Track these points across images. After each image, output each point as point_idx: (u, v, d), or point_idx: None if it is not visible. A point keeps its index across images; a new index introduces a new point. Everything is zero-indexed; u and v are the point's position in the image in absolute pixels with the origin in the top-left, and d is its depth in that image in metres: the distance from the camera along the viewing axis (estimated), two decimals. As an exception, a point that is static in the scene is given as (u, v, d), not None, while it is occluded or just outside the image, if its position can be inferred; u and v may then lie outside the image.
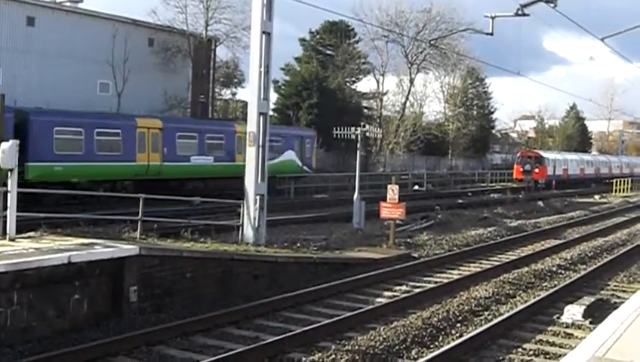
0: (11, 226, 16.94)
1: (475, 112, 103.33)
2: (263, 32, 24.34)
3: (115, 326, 15.26)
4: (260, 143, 24.29)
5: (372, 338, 14.64)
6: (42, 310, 14.38)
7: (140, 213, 20.88)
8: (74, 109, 41.31)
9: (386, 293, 19.96)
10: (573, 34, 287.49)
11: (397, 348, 14.25)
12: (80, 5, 57.08)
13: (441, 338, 15.24)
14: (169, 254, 17.81)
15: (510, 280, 21.74)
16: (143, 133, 39.71)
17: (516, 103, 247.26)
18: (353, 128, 34.34)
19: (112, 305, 15.97)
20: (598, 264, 25.48)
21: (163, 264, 17.32)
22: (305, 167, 52.46)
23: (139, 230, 20.26)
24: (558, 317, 17.32)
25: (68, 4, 56.12)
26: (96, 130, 38.03)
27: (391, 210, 27.50)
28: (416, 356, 14.00)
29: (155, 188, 32.84)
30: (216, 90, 74.33)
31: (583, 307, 17.38)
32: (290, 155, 50.78)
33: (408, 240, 28.79)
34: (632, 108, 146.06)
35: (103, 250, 16.07)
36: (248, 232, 23.71)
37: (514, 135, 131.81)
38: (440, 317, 16.63)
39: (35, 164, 34.93)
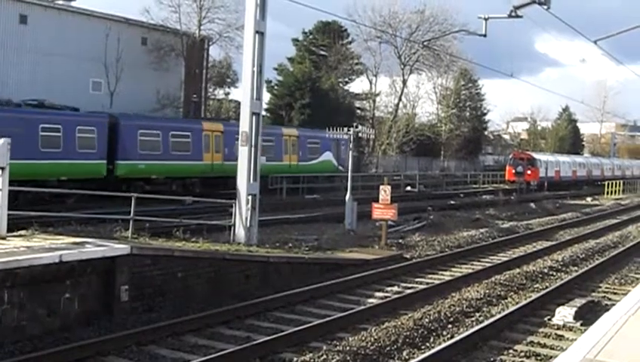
0: (2, 224, 16.91)
1: (467, 114, 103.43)
2: (256, 32, 24.32)
3: (106, 326, 15.22)
4: (253, 143, 24.27)
5: (363, 338, 14.63)
6: (33, 309, 14.34)
7: (131, 212, 20.87)
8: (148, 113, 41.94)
9: (378, 294, 19.96)
10: (565, 36, 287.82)
11: (388, 348, 14.24)
12: (73, 4, 56.97)
13: (432, 339, 15.23)
14: (161, 254, 17.79)
15: (501, 281, 21.75)
16: (208, 135, 43.90)
17: (509, 105, 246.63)
18: (346, 129, 34.36)
19: (103, 304, 15.94)
20: (590, 266, 25.49)
21: (154, 263, 17.29)
22: (340, 167, 57.15)
23: (130, 229, 20.23)
24: (549, 319, 17.34)
25: (61, 2, 56.03)
26: (171, 132, 42.51)
27: (383, 210, 27.51)
28: (407, 357, 13.99)
29: (217, 185, 42.25)
30: (209, 89, 74.23)
31: (575, 309, 17.40)
32: (328, 156, 58.10)
33: (400, 241, 28.77)
34: (624, 111, 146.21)
35: (95, 248, 16.04)
36: (240, 232, 23.67)
37: (506, 137, 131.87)
38: (431, 318, 16.62)
39: (123, 163, 40.67)
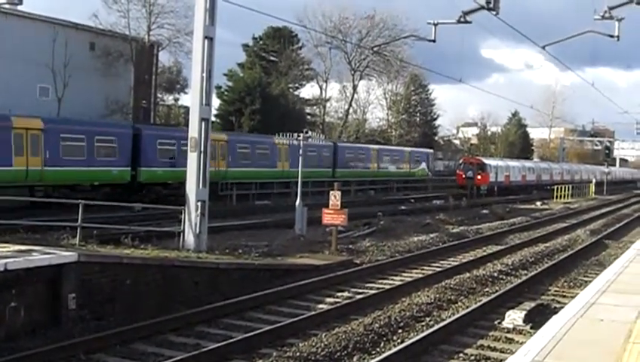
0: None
1: (417, 119, 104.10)
2: (206, 37, 24.24)
3: (53, 335, 15.01)
4: (202, 149, 24.14)
5: (314, 344, 14.60)
6: (-23, 318, 14.09)
7: (79, 220, 20.66)
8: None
9: (328, 299, 19.94)
10: (510, 41, 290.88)
11: (338, 354, 14.23)
12: (19, 8, 56.18)
13: (382, 344, 15.25)
14: (109, 261, 17.63)
15: (452, 285, 21.82)
16: (215, 145, 44.58)
17: (458, 110, 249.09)
18: (296, 135, 34.31)
19: (51, 312, 15.73)
20: (539, 269, 25.72)
21: (103, 271, 17.11)
22: (429, 173, 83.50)
23: (78, 236, 20.05)
24: (499, 323, 17.43)
25: (7, 6, 55.22)
26: (181, 141, 41.39)
27: (333, 216, 27.48)
28: (357, 362, 14.00)
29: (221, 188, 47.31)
30: (159, 95, 73.95)
31: (524, 312, 17.52)
32: (423, 165, 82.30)
33: (350, 246, 28.77)
34: (573, 116, 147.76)
35: (41, 256, 15.82)
36: (189, 238, 23.53)
37: (457, 142, 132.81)
38: (382, 323, 16.62)
39: (145, 169, 44.05)
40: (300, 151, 33.52)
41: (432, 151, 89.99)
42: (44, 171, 37.53)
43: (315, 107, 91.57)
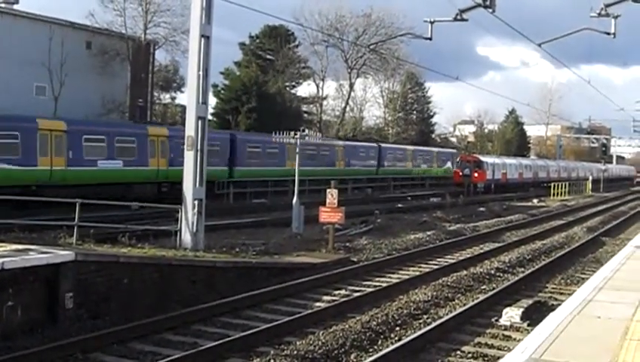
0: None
1: (414, 117, 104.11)
2: (202, 36, 24.23)
3: (50, 334, 14.98)
4: (199, 147, 24.12)
5: (311, 342, 14.59)
6: (-26, 318, 14.08)
7: (76, 219, 20.64)
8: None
9: (325, 298, 19.94)
10: (505, 39, 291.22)
11: (336, 352, 14.22)
12: (15, 7, 56.05)
13: (380, 342, 15.25)
14: (106, 260, 17.61)
15: (449, 283, 21.83)
16: (288, 148, 50.89)
17: (455, 108, 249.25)
18: (293, 133, 34.30)
19: (48, 311, 15.71)
20: (536, 266, 25.74)
21: (99, 270, 17.09)
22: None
23: (75, 235, 20.03)
24: (496, 320, 17.44)
25: (3, 5, 55.07)
26: (266, 144, 51.91)
27: (330, 214, 27.48)
28: (355, 360, 14.01)
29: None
30: (155, 94, 73.79)
31: (521, 309, 17.53)
32: (448, 164, 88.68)
33: (347, 244, 28.78)
34: (569, 114, 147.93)
35: (38, 256, 15.80)
36: (186, 237, 23.51)
37: (453, 139, 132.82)
38: (379, 321, 16.62)
39: (239, 168, 52.63)
40: (297, 150, 33.60)
41: (455, 151, 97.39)
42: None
43: (311, 105, 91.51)
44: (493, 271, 24.43)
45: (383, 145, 78.13)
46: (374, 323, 16.40)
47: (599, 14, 34.15)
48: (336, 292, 20.72)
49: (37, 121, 38.98)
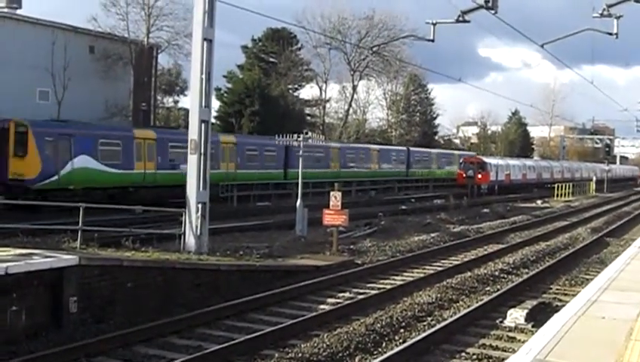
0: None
1: (417, 119, 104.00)
2: (205, 39, 24.23)
3: (55, 338, 15.02)
4: (202, 151, 24.13)
5: (315, 345, 14.59)
6: (-22, 322, 14.08)
7: (80, 223, 20.67)
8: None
9: (330, 300, 19.94)
10: (507, 40, 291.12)
11: (340, 355, 14.23)
12: (18, 12, 56.06)
13: (384, 345, 15.25)
14: (109, 264, 17.61)
15: (453, 285, 21.82)
16: (331, 150, 64.21)
17: (458, 110, 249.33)
18: (296, 135, 34.30)
19: (52, 316, 15.73)
20: (541, 268, 25.73)
21: (103, 274, 17.10)
22: None
23: (79, 240, 20.05)
24: (501, 321, 17.43)
25: (6, 10, 55.09)
26: (314, 149, 55.36)
27: (334, 216, 27.48)
28: (359, 362, 14.00)
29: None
30: (158, 98, 73.76)
31: (526, 311, 17.52)
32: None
33: (351, 246, 28.77)
34: (572, 114, 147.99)
35: (42, 260, 15.83)
36: (190, 241, 23.50)
37: (457, 141, 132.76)
38: (383, 323, 16.62)
39: (292, 170, 54.71)
40: (301, 152, 33.64)
41: (474, 153, 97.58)
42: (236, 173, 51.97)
43: (314, 108, 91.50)
44: (497, 273, 24.43)
45: (411, 148, 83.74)
46: (378, 325, 16.40)
47: (601, 15, 34.19)
48: (341, 294, 20.71)
49: (133, 131, 46.42)
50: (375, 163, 72.83)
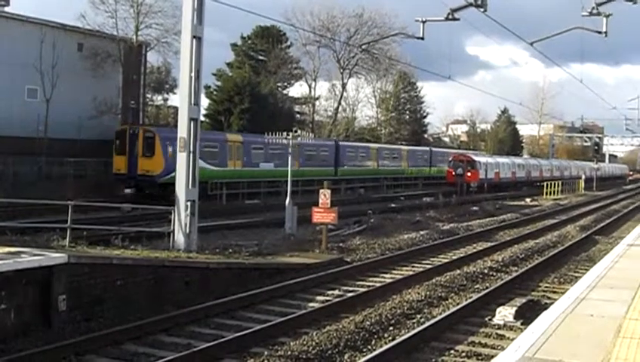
0: None
1: (407, 117, 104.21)
2: (194, 37, 24.22)
3: (44, 336, 14.97)
4: (191, 149, 24.12)
5: (305, 343, 14.60)
6: (-34, 321, 14.04)
7: (68, 221, 20.62)
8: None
9: (319, 298, 19.95)
10: (494, 38, 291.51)
11: (330, 352, 14.23)
12: (6, 9, 55.85)
13: (373, 342, 15.26)
14: (99, 262, 17.57)
15: (442, 282, 21.87)
16: (372, 150, 76.52)
17: (447, 107, 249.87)
18: (285, 133, 34.29)
19: (41, 314, 15.68)
20: (530, 265, 25.77)
21: (93, 272, 17.06)
22: None
23: (68, 238, 19.99)
24: (490, 319, 17.46)
25: (-6, 8, 54.93)
26: (359, 149, 71.89)
27: (323, 214, 27.49)
28: (349, 360, 14.01)
29: (378, 180, 75.80)
30: (148, 95, 73.51)
31: (515, 308, 17.55)
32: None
33: (341, 244, 28.78)
34: (562, 113, 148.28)
35: (31, 258, 15.78)
36: (179, 238, 23.48)
37: (446, 139, 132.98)
38: (373, 320, 16.64)
39: (342, 168, 68.47)
40: (290, 150, 33.65)
41: (484, 152, 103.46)
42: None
43: (304, 106, 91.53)
44: (486, 271, 24.47)
45: (434, 148, 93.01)
46: (368, 323, 16.42)
47: (591, 13, 34.28)
48: (330, 292, 20.73)
49: (226, 135, 56.56)
50: (405, 161, 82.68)
